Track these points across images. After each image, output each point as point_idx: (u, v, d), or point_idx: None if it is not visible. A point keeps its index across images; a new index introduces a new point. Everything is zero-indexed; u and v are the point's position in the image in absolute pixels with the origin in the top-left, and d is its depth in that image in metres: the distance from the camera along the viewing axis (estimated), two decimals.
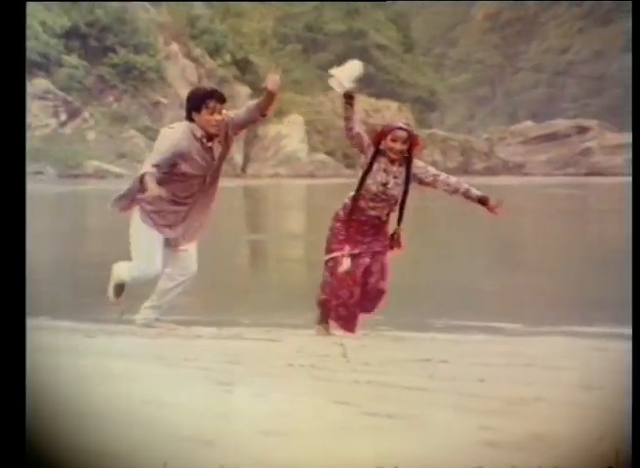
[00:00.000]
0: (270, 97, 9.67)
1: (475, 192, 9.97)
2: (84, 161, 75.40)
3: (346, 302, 9.80)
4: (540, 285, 17.19)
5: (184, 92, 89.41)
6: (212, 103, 9.41)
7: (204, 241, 10.06)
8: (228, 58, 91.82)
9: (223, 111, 9.49)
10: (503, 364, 8.22)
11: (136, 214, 9.58)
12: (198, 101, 9.43)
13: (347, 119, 9.70)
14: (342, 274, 9.73)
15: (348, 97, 9.68)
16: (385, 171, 9.74)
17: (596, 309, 12.34)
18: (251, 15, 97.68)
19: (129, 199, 9.51)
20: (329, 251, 9.85)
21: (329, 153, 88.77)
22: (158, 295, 9.74)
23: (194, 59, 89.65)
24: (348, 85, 9.71)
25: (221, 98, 9.52)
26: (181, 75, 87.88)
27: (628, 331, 8.65)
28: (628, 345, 7.21)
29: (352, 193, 9.79)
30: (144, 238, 9.51)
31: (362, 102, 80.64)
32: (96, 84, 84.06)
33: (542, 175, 75.84)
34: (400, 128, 9.73)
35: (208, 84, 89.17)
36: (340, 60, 10.27)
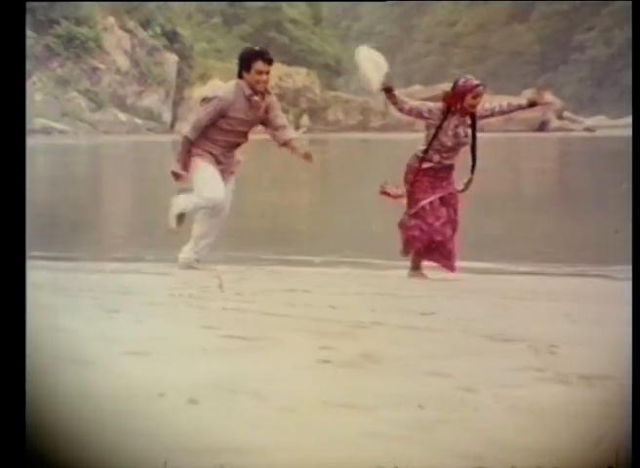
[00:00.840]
0: (293, 150, 9.52)
1: (519, 101, 9.77)
2: (32, 119, 74.57)
3: (445, 243, 9.43)
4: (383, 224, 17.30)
5: (120, 59, 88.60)
6: (260, 65, 9.12)
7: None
8: (158, 29, 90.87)
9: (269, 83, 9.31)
10: (355, 292, 8.06)
11: (195, 160, 9.29)
12: (248, 62, 9.14)
13: (395, 104, 9.36)
14: (434, 218, 9.36)
15: (388, 91, 9.33)
16: (457, 126, 9.33)
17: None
18: None
19: (184, 156, 9.28)
20: (415, 201, 9.43)
21: None
22: (195, 240, 9.47)
23: (128, 31, 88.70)
24: (379, 85, 9.39)
25: (269, 60, 9.21)
26: (117, 44, 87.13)
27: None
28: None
29: (423, 147, 9.44)
30: (206, 172, 9.22)
31: (275, 69, 79.93)
32: (43, 52, 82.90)
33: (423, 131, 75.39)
34: (478, 85, 9.32)
35: (140, 53, 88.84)
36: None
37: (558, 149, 56.95)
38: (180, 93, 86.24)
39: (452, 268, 9.52)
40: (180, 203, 9.35)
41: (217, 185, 9.22)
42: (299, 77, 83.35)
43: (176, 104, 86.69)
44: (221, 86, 9.46)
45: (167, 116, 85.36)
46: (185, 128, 9.31)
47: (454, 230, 9.47)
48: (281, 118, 9.51)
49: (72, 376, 4.22)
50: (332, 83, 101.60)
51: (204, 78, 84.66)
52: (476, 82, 9.29)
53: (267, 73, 9.17)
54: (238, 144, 9.43)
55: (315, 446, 3.47)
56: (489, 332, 5.77)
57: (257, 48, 9.43)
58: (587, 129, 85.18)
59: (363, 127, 78.39)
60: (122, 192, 28.29)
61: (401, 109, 9.38)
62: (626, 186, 8.28)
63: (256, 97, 9.21)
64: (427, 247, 9.42)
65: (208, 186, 9.21)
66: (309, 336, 5.40)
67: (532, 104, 9.57)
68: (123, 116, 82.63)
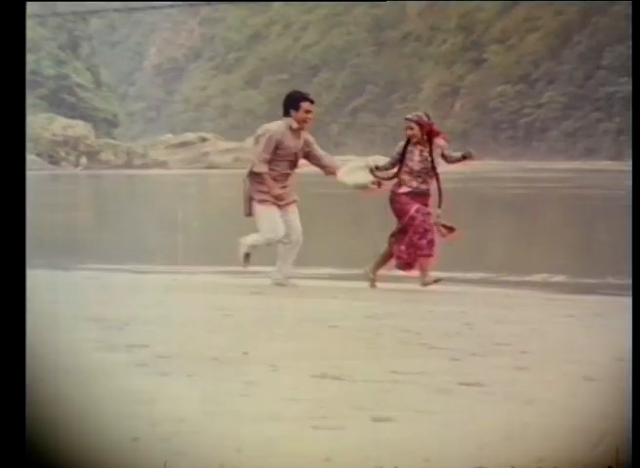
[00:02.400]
0: (328, 172, 9.37)
1: (457, 155, 9.30)
2: None
3: (424, 249, 8.99)
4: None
5: None
6: (307, 105, 9.00)
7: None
8: None
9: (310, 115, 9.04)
10: None
11: (255, 205, 9.06)
12: (297, 102, 8.99)
13: (388, 175, 9.22)
14: (422, 222, 8.94)
15: (374, 174, 9.21)
16: (422, 151, 9.06)
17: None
18: None
19: (248, 200, 9.10)
20: (404, 213, 9.01)
21: None
22: (281, 261, 9.21)
23: None
24: (370, 180, 9.16)
25: (312, 101, 9.09)
26: None
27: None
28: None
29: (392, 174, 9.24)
30: (266, 214, 8.97)
31: (60, 122, 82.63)
32: None
33: (177, 168, 76.44)
34: (440, 133, 9.22)
35: None
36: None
37: None
38: None
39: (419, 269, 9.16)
40: (246, 243, 9.15)
41: (276, 225, 9.00)
42: (78, 128, 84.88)
43: None
44: (270, 124, 9.13)
45: None
46: (252, 166, 9.09)
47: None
48: (320, 150, 9.32)
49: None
50: (111, 132, 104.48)
51: None
52: (425, 116, 9.19)
53: (312, 112, 9.07)
54: (289, 175, 9.19)
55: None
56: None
57: (303, 92, 9.37)
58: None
59: (128, 165, 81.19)
60: None
61: (388, 168, 9.21)
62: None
63: (302, 130, 9.12)
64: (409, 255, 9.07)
65: (269, 227, 8.99)
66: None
67: (465, 158, 9.22)
68: None
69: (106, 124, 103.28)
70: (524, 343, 5.57)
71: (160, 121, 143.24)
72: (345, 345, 5.45)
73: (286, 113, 9.09)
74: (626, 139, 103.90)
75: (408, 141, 9.10)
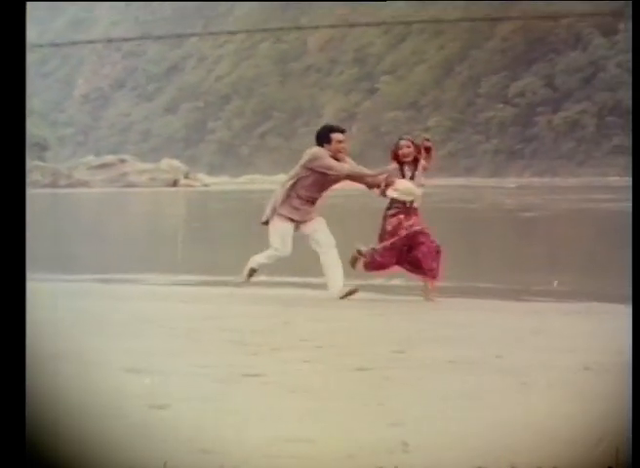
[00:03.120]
0: (387, 185, 8.53)
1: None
2: None
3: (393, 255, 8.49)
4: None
5: None
6: (339, 135, 8.58)
7: None
8: None
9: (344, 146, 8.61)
10: None
11: (275, 218, 8.54)
12: (327, 135, 8.55)
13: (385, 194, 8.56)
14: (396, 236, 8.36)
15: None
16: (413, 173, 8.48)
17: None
18: None
19: (272, 211, 8.56)
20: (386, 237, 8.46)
21: None
22: (331, 272, 8.51)
23: None
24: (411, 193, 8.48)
25: (343, 130, 8.71)
26: None
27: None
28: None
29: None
30: (281, 230, 8.48)
31: None
32: None
33: (98, 187, 76.58)
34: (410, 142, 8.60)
35: None
36: None
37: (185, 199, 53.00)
38: None
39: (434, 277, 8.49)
40: (256, 260, 8.72)
41: (287, 242, 8.54)
42: None
43: None
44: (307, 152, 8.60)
45: None
46: (294, 177, 8.57)
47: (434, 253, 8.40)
48: (361, 168, 8.79)
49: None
50: (42, 155, 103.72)
51: None
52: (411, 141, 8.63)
53: (344, 141, 8.64)
54: (316, 199, 8.68)
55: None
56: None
57: (332, 124, 9.04)
58: (205, 185, 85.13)
59: (54, 184, 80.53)
60: None
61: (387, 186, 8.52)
62: None
63: (342, 159, 8.63)
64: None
65: (280, 242, 8.53)
66: None
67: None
68: None
69: (38, 148, 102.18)
70: (322, 340, 5.59)
71: (88, 144, 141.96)
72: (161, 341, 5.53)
73: (319, 144, 8.69)
74: (503, 159, 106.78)
75: (401, 164, 8.47)
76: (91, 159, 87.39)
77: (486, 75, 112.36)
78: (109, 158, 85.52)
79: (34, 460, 2.83)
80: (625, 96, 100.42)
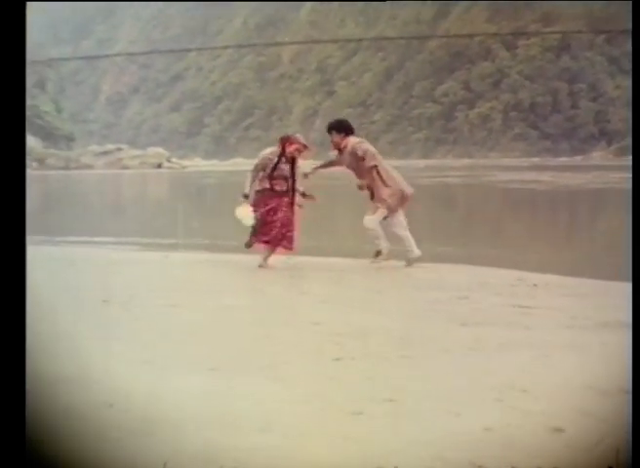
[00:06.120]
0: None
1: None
2: None
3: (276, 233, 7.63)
4: None
5: None
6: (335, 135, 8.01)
7: None
8: None
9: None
10: None
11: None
12: (351, 127, 8.06)
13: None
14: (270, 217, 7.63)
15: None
16: (285, 163, 7.71)
17: None
18: None
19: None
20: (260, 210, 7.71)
21: None
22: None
23: None
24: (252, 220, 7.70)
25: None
26: None
27: None
28: None
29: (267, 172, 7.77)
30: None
31: None
32: None
33: (100, 169, 71.92)
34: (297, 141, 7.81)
35: None
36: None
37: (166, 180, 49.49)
38: None
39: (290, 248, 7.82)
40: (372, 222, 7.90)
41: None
42: (29, 142, 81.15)
43: None
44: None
45: None
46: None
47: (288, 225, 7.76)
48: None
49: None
50: (70, 145, 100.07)
51: None
52: (295, 138, 7.83)
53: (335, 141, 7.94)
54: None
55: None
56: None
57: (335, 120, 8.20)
58: (183, 167, 78.33)
59: (66, 168, 75.45)
60: None
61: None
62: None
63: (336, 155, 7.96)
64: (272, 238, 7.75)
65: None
66: None
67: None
68: None
69: (66, 139, 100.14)
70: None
71: (111, 137, 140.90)
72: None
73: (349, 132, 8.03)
74: (431, 146, 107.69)
75: (282, 154, 7.77)
76: (94, 147, 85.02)
77: (418, 80, 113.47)
78: (109, 147, 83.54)
79: (34, 460, 2.28)
80: (524, 96, 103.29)
